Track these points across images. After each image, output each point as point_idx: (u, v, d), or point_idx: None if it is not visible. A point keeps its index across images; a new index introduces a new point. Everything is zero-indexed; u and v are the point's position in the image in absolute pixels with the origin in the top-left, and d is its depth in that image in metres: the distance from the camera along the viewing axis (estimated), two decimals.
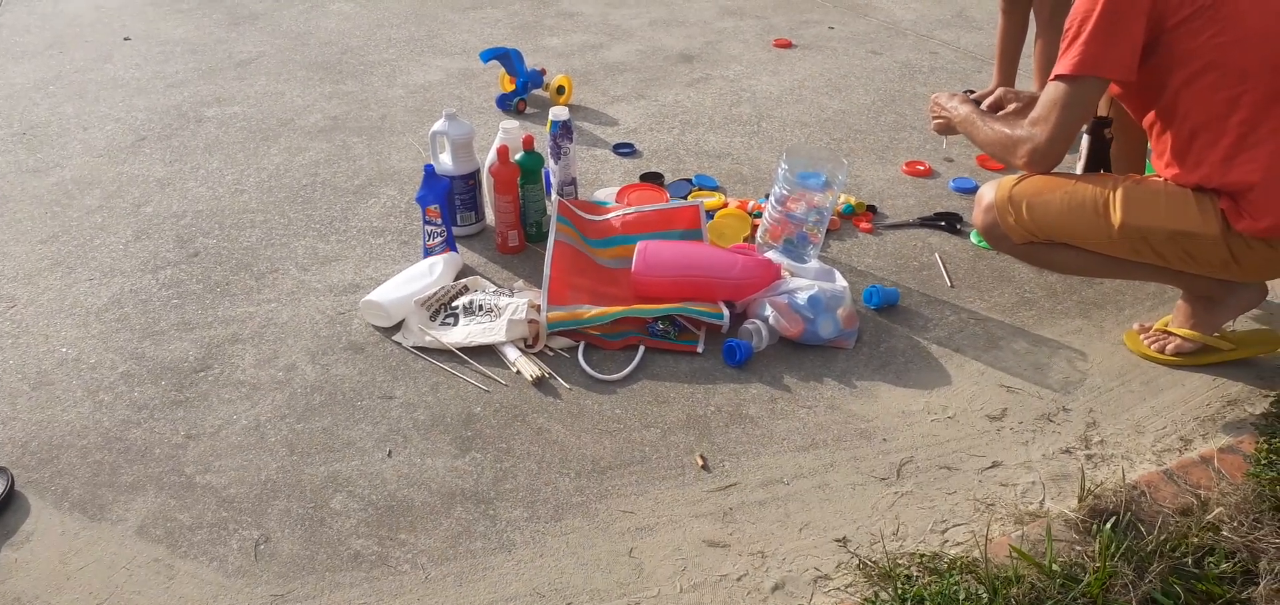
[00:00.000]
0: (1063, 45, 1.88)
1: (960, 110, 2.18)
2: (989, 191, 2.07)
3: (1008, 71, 3.28)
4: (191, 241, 2.65)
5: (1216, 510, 1.64)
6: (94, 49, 4.27)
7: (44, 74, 3.96)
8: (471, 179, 2.57)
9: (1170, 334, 2.10)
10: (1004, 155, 2.04)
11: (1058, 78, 1.89)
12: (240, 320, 2.30)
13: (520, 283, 2.42)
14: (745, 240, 2.55)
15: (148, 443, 1.93)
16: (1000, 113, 2.20)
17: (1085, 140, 2.18)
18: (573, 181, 2.69)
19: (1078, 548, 1.59)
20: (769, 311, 2.15)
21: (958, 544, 1.66)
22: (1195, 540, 1.58)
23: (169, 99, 3.67)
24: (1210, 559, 1.55)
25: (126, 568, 1.65)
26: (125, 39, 4.40)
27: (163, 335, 2.25)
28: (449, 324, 2.22)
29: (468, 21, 4.60)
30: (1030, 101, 2.17)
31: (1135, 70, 1.84)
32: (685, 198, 2.78)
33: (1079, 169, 2.23)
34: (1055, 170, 2.01)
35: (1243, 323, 2.19)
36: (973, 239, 2.59)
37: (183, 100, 3.65)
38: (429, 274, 2.34)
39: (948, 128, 2.26)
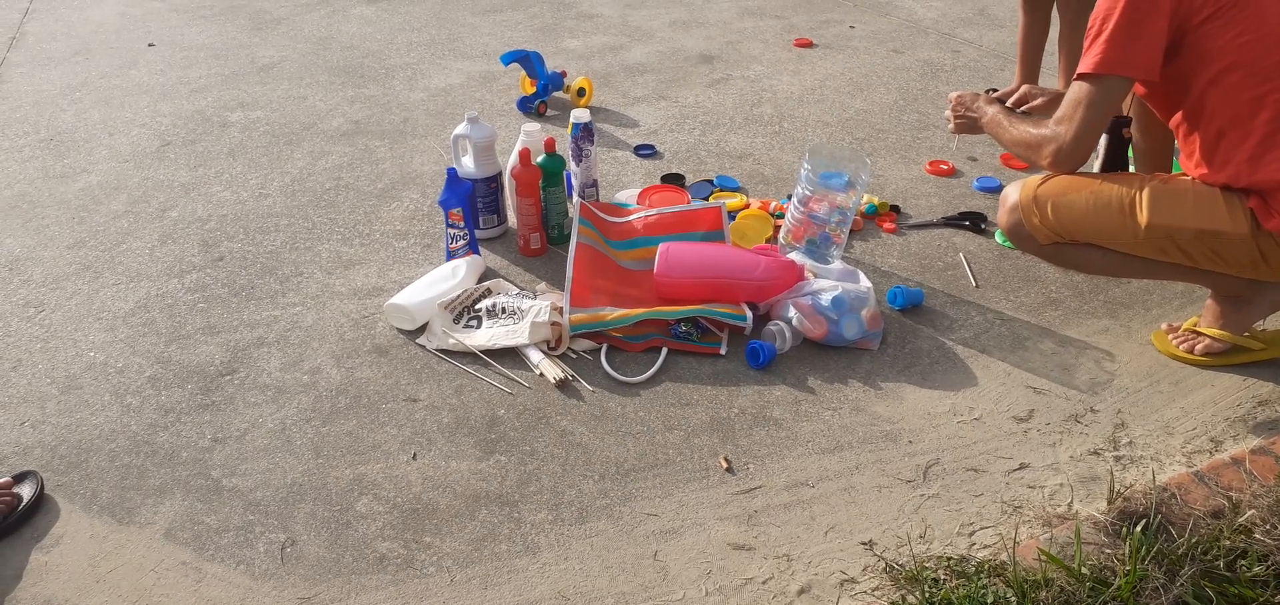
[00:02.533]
0: (1086, 43, 1.87)
1: (987, 111, 2.16)
2: (1014, 192, 2.06)
3: (1030, 69, 3.26)
4: (216, 246, 2.67)
5: (1248, 513, 1.62)
6: (119, 56, 4.31)
7: (70, 80, 4.00)
8: (493, 182, 2.58)
9: (1199, 334, 2.08)
10: (1029, 155, 2.02)
11: (1081, 76, 1.87)
12: (265, 324, 2.32)
13: (542, 285, 2.42)
14: (768, 241, 2.54)
15: (175, 446, 1.94)
16: (1024, 108, 2.19)
17: (1103, 139, 2.15)
18: (594, 183, 2.70)
19: (1107, 551, 1.57)
20: (792, 313, 2.14)
21: (985, 547, 1.65)
22: (1227, 543, 1.56)
23: (193, 104, 3.70)
24: (1242, 562, 1.53)
25: (155, 570, 1.66)
26: (149, 45, 4.44)
27: (189, 339, 2.27)
28: (472, 327, 2.22)
29: (488, 24, 4.61)
30: (1054, 97, 2.15)
31: (1159, 69, 1.83)
32: (707, 199, 2.78)
33: (1097, 168, 2.21)
34: (1079, 170, 1.99)
35: (1273, 322, 2.16)
36: (997, 239, 2.57)
37: (206, 105, 3.68)
38: (452, 277, 2.35)
39: (967, 128, 2.24)
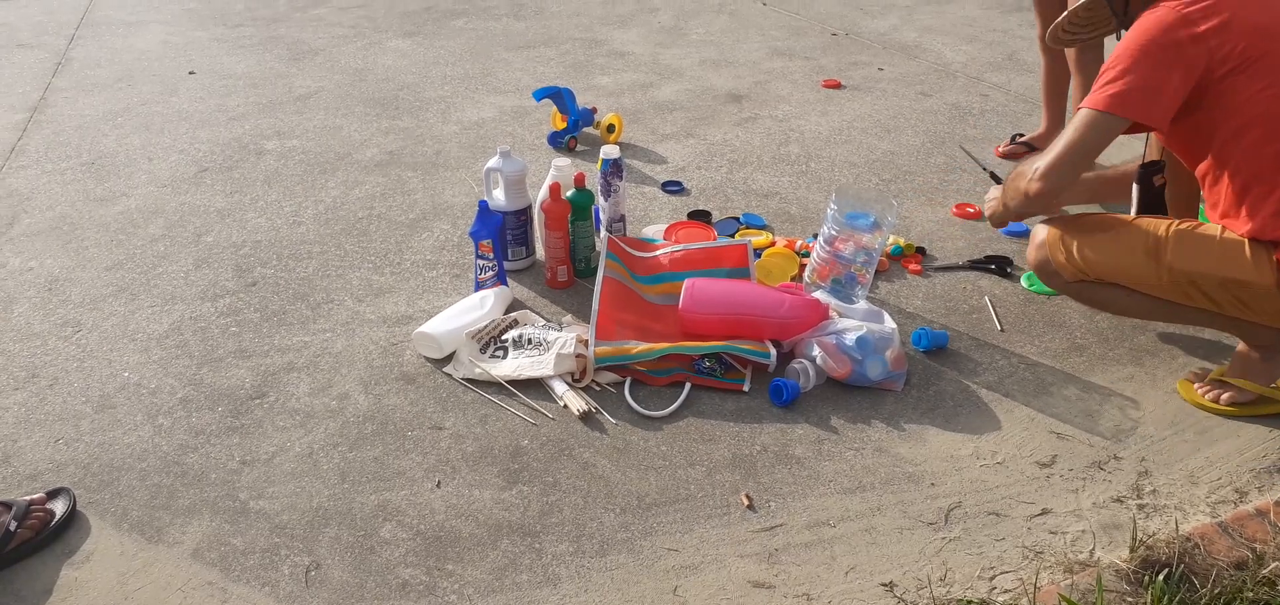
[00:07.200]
0: (1097, 83, 1.89)
1: (989, 201, 2.22)
2: (1042, 229, 2.08)
3: (1055, 111, 3.27)
4: (250, 271, 2.72)
5: (1272, 565, 1.60)
6: (160, 83, 4.40)
7: (113, 106, 4.10)
8: (523, 215, 2.61)
9: (1226, 383, 2.07)
10: (1020, 184, 2.01)
11: (1083, 108, 1.90)
12: (295, 349, 2.35)
13: (568, 317, 2.44)
14: (793, 280, 2.55)
15: (204, 467, 1.97)
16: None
17: (1135, 187, 2.15)
18: (622, 218, 2.72)
19: (1129, 599, 1.56)
20: (816, 352, 2.15)
21: (1006, 592, 1.64)
22: (1250, 595, 1.55)
23: (230, 132, 3.77)
24: None
25: (181, 590, 1.69)
26: (190, 73, 4.54)
27: (220, 362, 2.31)
28: (498, 357, 2.25)
29: (521, 60, 4.68)
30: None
31: (1166, 120, 1.85)
32: (733, 236, 2.80)
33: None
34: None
35: None
36: (1023, 283, 2.57)
37: (244, 133, 3.76)
38: (480, 307, 2.38)
39: (1001, 220, 2.24)
